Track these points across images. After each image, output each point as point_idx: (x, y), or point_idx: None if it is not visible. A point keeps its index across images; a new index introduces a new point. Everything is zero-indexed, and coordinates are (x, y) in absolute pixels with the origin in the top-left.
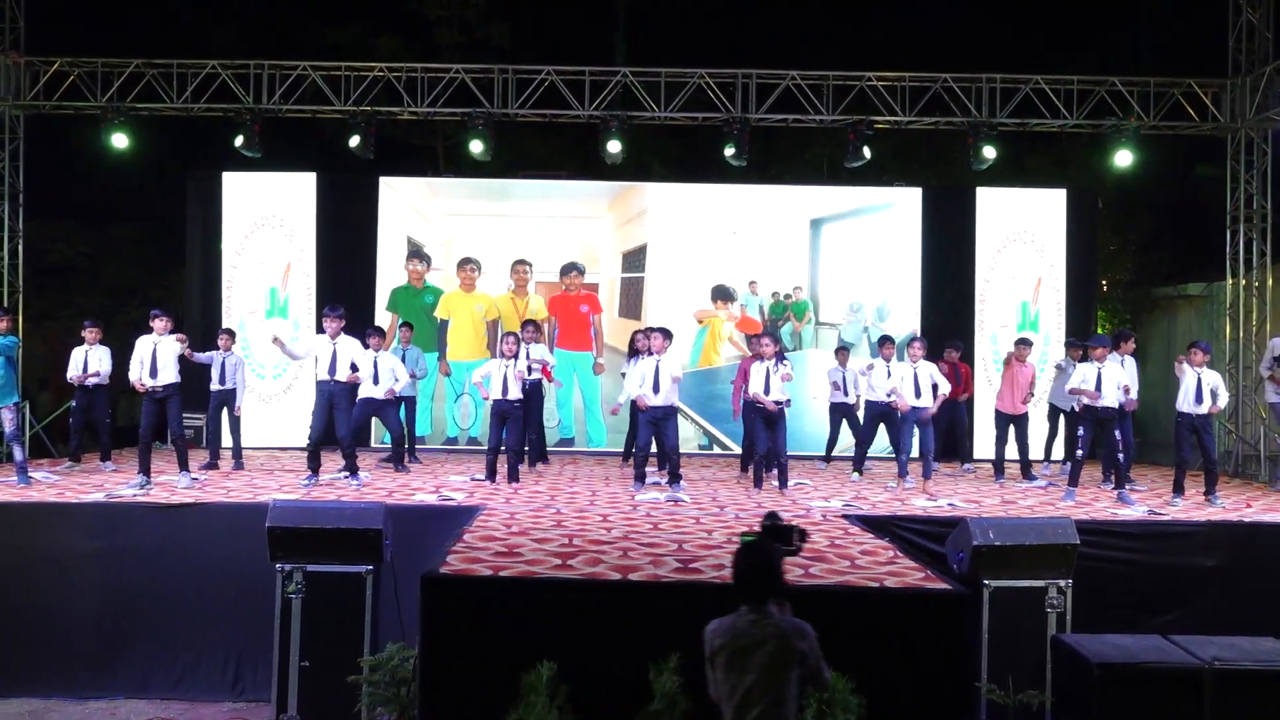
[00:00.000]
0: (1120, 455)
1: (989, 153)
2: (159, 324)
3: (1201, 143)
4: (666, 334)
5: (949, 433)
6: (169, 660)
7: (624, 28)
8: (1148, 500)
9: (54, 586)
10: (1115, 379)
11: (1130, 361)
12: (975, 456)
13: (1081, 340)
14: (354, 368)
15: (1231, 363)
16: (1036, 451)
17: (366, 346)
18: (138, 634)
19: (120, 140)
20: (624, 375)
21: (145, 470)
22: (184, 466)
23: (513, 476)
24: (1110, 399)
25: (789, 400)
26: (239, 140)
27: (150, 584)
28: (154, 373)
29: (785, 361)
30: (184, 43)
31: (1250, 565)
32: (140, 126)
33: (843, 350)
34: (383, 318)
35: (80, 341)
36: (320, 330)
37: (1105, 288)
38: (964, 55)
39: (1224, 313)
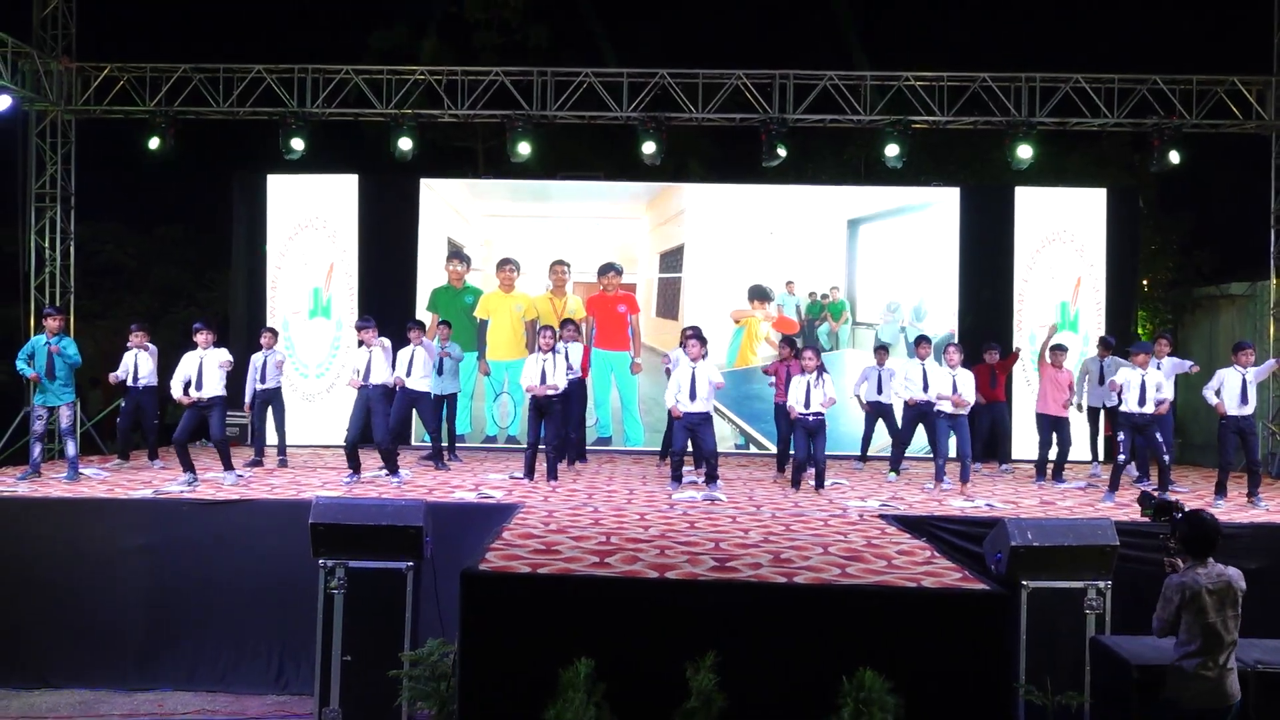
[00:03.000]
0: (1165, 456)
1: (1024, 152)
2: (202, 338)
3: (1249, 140)
4: (702, 340)
5: (990, 433)
6: (214, 653)
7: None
8: (1190, 502)
9: (104, 581)
10: (1155, 385)
11: (1169, 361)
12: (1014, 457)
13: (1114, 340)
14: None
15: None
16: (1077, 454)
17: (407, 340)
18: (184, 627)
19: (154, 144)
20: (667, 372)
21: (189, 468)
22: (228, 466)
23: (551, 474)
24: (1149, 406)
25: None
26: (298, 144)
27: (197, 579)
28: (200, 385)
29: (826, 375)
30: (229, 47)
31: None
32: (187, 130)
33: (882, 349)
34: (423, 317)
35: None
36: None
37: (1146, 287)
38: (1003, 54)
39: (1267, 312)
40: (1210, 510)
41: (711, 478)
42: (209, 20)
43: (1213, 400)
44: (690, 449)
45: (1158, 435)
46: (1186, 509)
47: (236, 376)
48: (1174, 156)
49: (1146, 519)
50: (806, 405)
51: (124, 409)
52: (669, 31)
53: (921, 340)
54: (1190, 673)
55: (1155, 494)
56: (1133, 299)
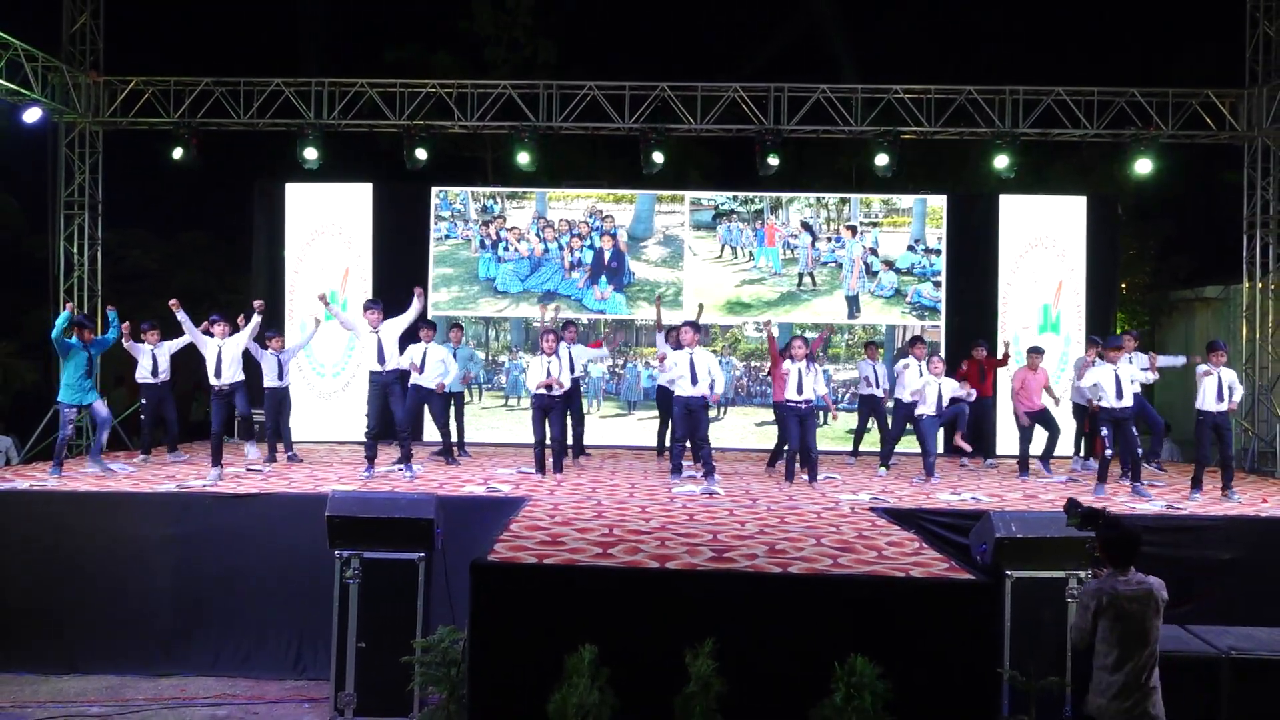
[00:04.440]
0: (1140, 450)
1: (1001, 162)
2: (218, 329)
3: (1222, 150)
4: (695, 327)
5: (976, 429)
6: (236, 640)
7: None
8: (1165, 495)
9: (130, 571)
10: (1129, 378)
11: (1141, 357)
12: (999, 452)
13: (1102, 339)
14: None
15: (1248, 363)
16: (1060, 449)
17: (418, 339)
18: (207, 616)
19: (180, 153)
20: (661, 358)
21: (218, 462)
22: (251, 438)
23: (556, 467)
24: (1127, 399)
25: (815, 400)
26: (311, 154)
27: (218, 569)
28: (219, 373)
29: (815, 365)
30: (249, 62)
31: (1265, 558)
32: (209, 141)
33: (872, 345)
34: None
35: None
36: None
37: (1124, 290)
38: (988, 67)
39: (1240, 315)
40: (1190, 500)
41: (709, 471)
42: (230, 36)
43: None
44: (689, 444)
45: (1134, 430)
46: (1111, 515)
47: (255, 376)
48: (1146, 165)
49: (1073, 526)
50: (799, 391)
51: (145, 405)
52: (669, 45)
53: (916, 341)
54: (1109, 689)
55: (1115, 499)
56: (1112, 302)
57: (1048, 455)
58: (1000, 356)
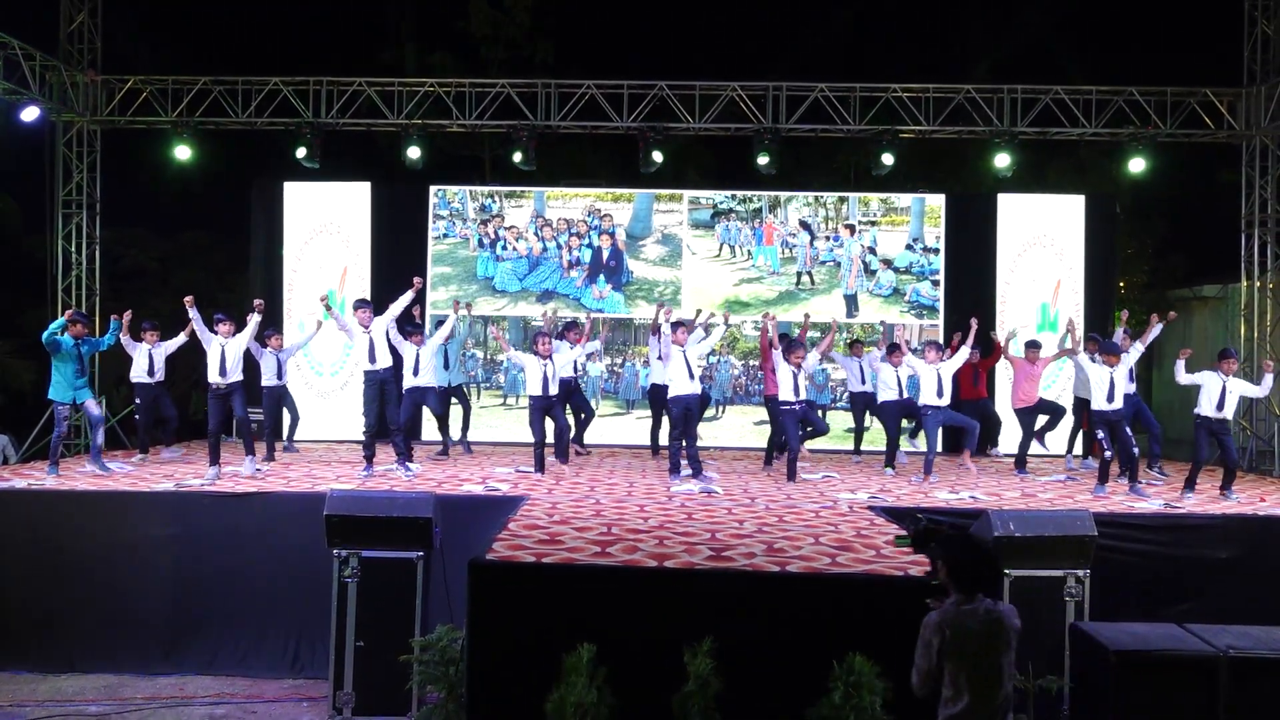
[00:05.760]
0: (1135, 449)
1: (1001, 161)
2: (223, 328)
3: (1220, 149)
4: (686, 325)
5: (979, 427)
6: (234, 639)
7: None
8: (1163, 494)
9: (129, 570)
10: (1123, 381)
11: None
12: (1004, 446)
13: (1099, 337)
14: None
15: (1246, 362)
16: (1057, 445)
17: (407, 339)
18: (205, 615)
19: (183, 152)
20: (656, 328)
21: (216, 461)
22: (250, 452)
23: (563, 458)
24: (1117, 402)
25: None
26: (301, 152)
27: (217, 568)
28: (223, 371)
29: (805, 365)
30: (248, 61)
31: (1263, 557)
32: (207, 140)
33: (857, 343)
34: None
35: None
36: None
37: (1122, 289)
38: (985, 66)
39: (1238, 314)
40: (1185, 500)
41: (696, 470)
42: (228, 34)
43: (1182, 379)
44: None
45: (1128, 430)
46: (950, 533)
47: (253, 375)
48: (1140, 164)
49: (905, 549)
50: (795, 393)
51: (140, 405)
52: (668, 45)
53: (893, 349)
54: None
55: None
56: (1110, 301)
57: (1046, 430)
58: (994, 346)
